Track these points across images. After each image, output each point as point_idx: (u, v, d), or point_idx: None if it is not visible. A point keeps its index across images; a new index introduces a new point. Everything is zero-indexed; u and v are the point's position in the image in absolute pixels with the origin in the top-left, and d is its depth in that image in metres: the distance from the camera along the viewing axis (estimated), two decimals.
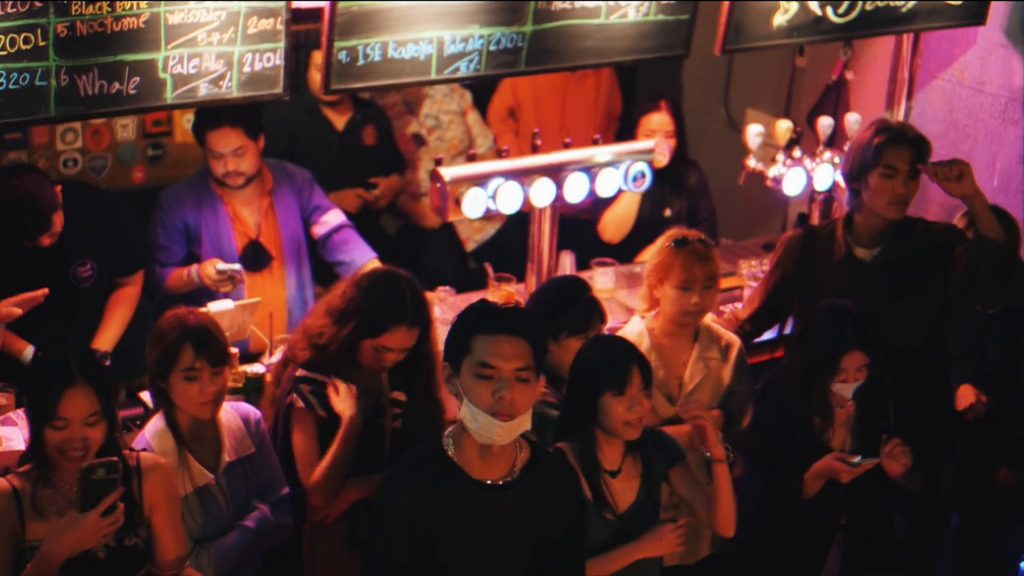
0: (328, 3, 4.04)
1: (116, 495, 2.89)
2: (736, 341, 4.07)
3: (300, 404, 3.61)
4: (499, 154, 4.72)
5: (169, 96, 3.97)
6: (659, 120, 5.32)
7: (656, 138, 5.17)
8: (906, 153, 4.06)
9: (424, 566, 2.82)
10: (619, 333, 4.07)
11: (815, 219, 5.31)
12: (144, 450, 3.22)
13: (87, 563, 2.97)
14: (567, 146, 4.74)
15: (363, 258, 4.84)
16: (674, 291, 3.90)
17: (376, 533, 2.86)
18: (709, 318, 4.13)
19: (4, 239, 4.12)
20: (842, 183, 5.22)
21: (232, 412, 3.56)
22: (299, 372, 3.63)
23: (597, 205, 5.31)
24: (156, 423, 3.46)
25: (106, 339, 4.33)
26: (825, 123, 5.31)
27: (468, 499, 2.81)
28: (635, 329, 4.01)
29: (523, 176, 4.54)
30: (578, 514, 3.01)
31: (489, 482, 2.83)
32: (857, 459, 3.68)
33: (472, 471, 2.82)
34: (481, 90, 6.02)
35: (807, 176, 5.20)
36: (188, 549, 3.34)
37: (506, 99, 5.99)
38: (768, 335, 4.55)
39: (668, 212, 5.39)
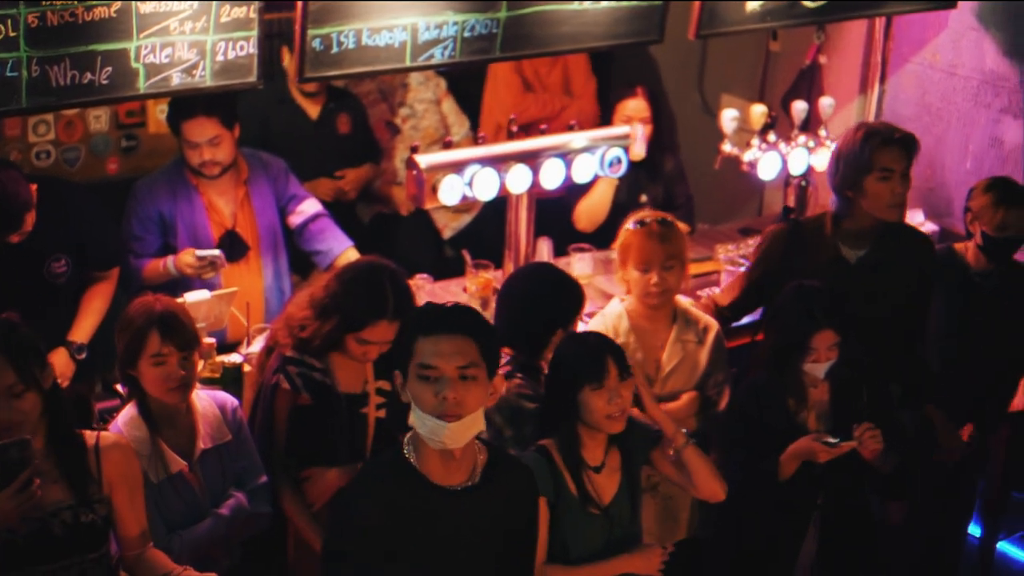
0: None
1: (29, 472, 2.91)
2: (713, 324, 4.09)
3: (286, 385, 3.61)
4: (475, 141, 4.72)
5: (142, 86, 3.95)
6: (635, 106, 5.32)
7: (633, 124, 5.18)
8: (898, 153, 4.09)
9: (389, 569, 2.78)
10: (598, 315, 4.10)
11: (790, 202, 5.33)
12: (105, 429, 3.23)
13: (44, 540, 3.00)
14: (543, 132, 4.74)
15: (340, 247, 4.83)
16: (635, 272, 3.94)
17: (339, 544, 2.83)
18: (687, 302, 4.15)
19: None
20: (817, 168, 5.29)
21: (208, 400, 3.55)
22: (288, 353, 3.63)
23: (572, 188, 5.30)
24: (128, 411, 3.46)
25: (82, 331, 4.30)
26: (799, 107, 5.33)
27: (431, 505, 2.77)
28: (614, 311, 4.04)
29: (499, 163, 4.54)
30: (534, 509, 2.99)
31: (451, 488, 2.78)
32: (834, 440, 3.70)
33: (434, 477, 2.78)
34: (456, 78, 6.01)
35: (782, 160, 5.22)
36: (161, 532, 3.34)
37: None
38: (747, 319, 4.57)
39: (644, 198, 5.39)
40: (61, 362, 4.19)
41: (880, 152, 4.07)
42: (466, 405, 2.70)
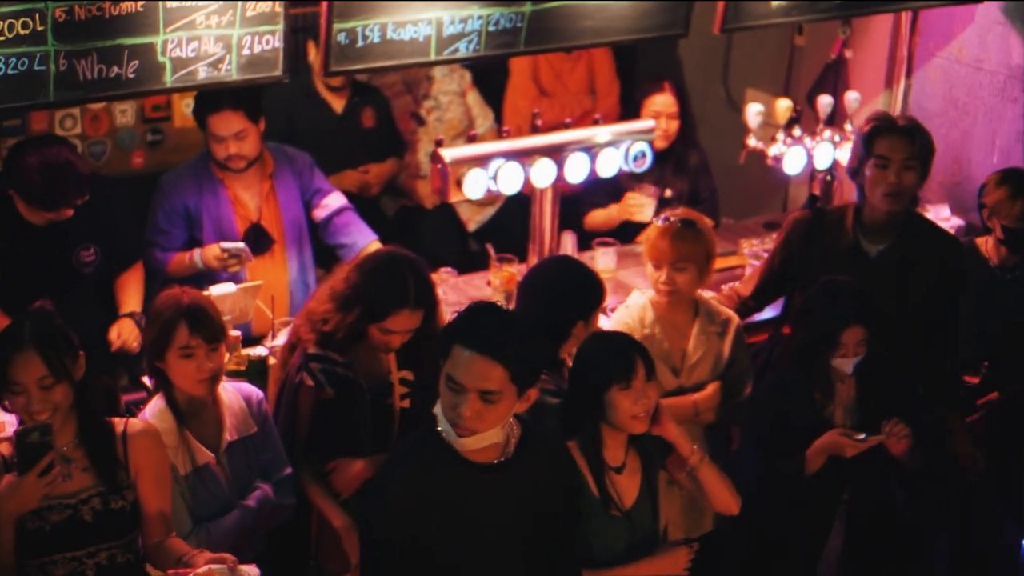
0: None
1: (51, 456, 2.96)
2: (734, 317, 4.10)
3: (309, 382, 3.62)
4: (499, 134, 4.73)
5: (168, 80, 3.97)
6: (663, 101, 5.31)
7: (659, 120, 5.16)
8: (898, 142, 4.03)
9: (423, 550, 2.80)
10: (621, 307, 4.10)
11: (816, 192, 5.32)
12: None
13: (73, 525, 3.04)
14: (567, 126, 4.74)
15: (364, 240, 4.85)
16: (649, 267, 3.97)
17: (374, 522, 2.85)
18: (708, 295, 4.15)
19: (11, 219, 4.16)
20: (842, 162, 5.27)
21: (234, 392, 3.57)
22: (311, 349, 3.65)
23: (589, 186, 5.28)
24: (156, 403, 3.48)
25: (132, 302, 4.42)
26: (825, 102, 5.31)
27: (464, 481, 2.79)
28: (638, 303, 4.04)
29: (524, 156, 4.54)
30: (571, 498, 3.00)
31: (483, 463, 2.81)
32: (862, 436, 3.70)
33: (467, 452, 2.80)
34: (481, 71, 6.01)
35: (807, 155, 5.21)
36: (187, 524, 3.37)
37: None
38: (769, 312, 4.56)
39: (669, 192, 5.39)
40: (129, 330, 4.32)
41: (877, 139, 4.04)
42: (481, 424, 2.74)
